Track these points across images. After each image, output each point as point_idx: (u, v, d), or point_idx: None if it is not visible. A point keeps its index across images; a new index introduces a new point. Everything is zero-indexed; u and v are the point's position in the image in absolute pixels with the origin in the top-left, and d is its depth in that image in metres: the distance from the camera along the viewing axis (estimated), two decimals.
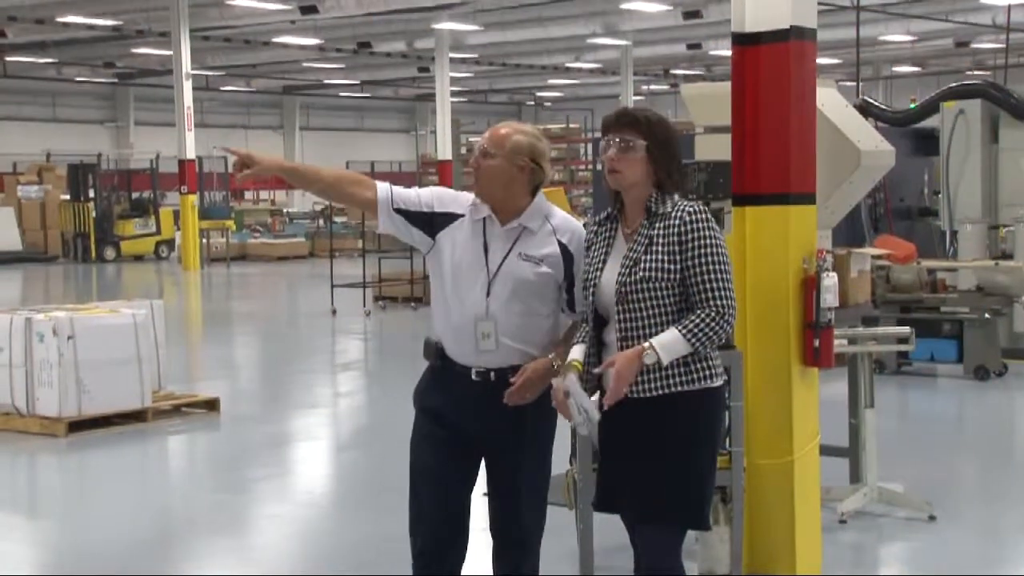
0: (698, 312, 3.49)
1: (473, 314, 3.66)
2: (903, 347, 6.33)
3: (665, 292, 3.52)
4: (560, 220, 3.78)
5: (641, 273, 3.55)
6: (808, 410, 4.93)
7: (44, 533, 6.33)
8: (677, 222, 3.53)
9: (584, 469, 4.55)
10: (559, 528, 5.46)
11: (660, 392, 3.53)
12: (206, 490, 7.12)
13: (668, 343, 3.47)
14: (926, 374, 10.12)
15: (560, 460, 4.96)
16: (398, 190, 3.79)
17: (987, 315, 9.76)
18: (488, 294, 3.66)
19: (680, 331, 3.47)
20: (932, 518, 5.84)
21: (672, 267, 3.52)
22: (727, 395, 4.82)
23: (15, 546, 6.09)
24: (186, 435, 8.59)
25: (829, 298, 4.82)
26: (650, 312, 3.53)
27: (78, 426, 8.22)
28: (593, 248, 3.69)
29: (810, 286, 4.82)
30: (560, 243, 3.73)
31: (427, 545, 3.78)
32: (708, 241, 3.51)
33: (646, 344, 3.48)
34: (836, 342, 5.06)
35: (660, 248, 3.54)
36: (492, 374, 3.68)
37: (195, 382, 10.47)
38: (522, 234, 3.71)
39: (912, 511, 5.93)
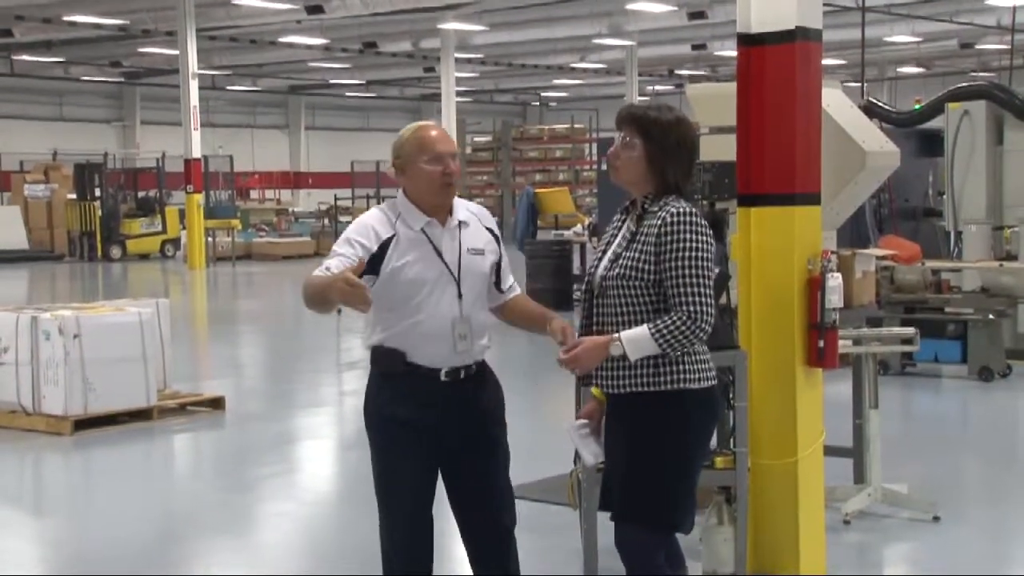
0: (671, 315, 3.47)
1: (450, 318, 3.67)
2: (907, 348, 6.34)
3: (640, 291, 3.52)
4: (475, 208, 3.88)
5: (619, 270, 3.56)
6: (812, 411, 4.94)
7: (50, 531, 6.35)
8: (658, 222, 3.51)
9: (588, 470, 4.55)
10: (563, 528, 5.47)
11: (628, 390, 3.54)
12: (211, 488, 7.14)
13: (636, 339, 3.47)
14: (930, 375, 10.11)
15: (565, 460, 4.97)
16: (335, 263, 3.56)
17: (991, 316, 9.75)
18: (459, 296, 3.69)
19: (650, 330, 3.46)
20: (936, 519, 5.84)
21: (647, 267, 3.50)
22: (729, 397, 4.87)
23: (21, 544, 6.11)
24: (191, 434, 8.61)
25: (834, 299, 4.82)
26: (624, 309, 3.54)
27: (84, 424, 8.24)
28: (603, 239, 3.72)
29: (815, 287, 4.82)
30: (487, 228, 3.83)
31: (414, 553, 3.77)
32: (684, 244, 3.46)
33: (616, 335, 3.50)
34: (840, 343, 5.06)
35: (639, 247, 3.53)
36: (461, 372, 3.71)
37: (200, 381, 10.48)
38: (461, 229, 3.76)
39: (916, 512, 5.93)
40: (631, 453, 3.58)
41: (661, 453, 3.55)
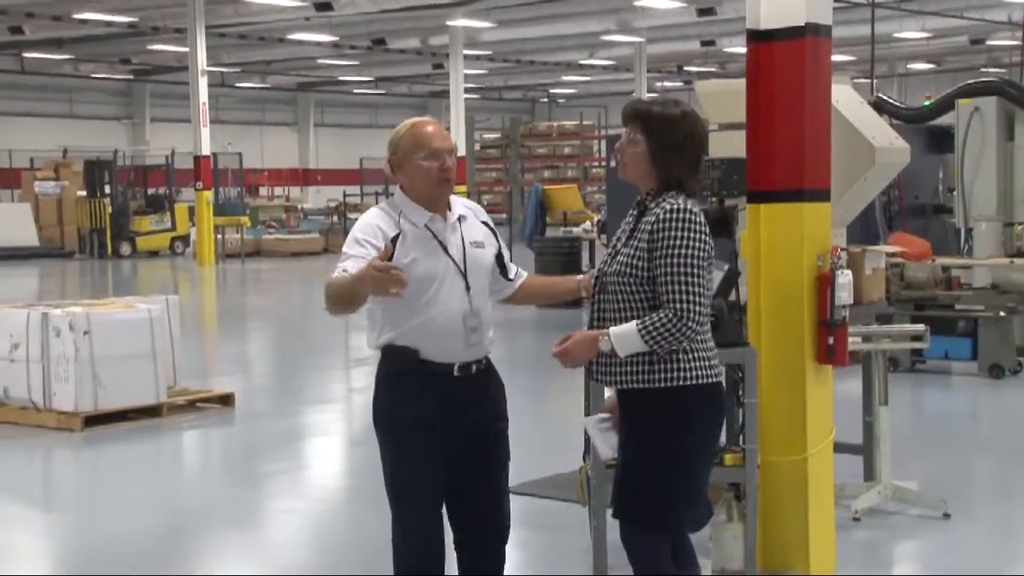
0: (660, 312, 3.44)
1: (460, 312, 3.67)
2: (917, 345, 6.32)
3: (635, 287, 3.50)
4: (469, 203, 3.90)
5: (616, 266, 3.55)
6: (822, 407, 4.93)
7: (60, 527, 6.36)
8: (653, 219, 3.49)
9: (597, 467, 4.55)
10: (573, 525, 5.47)
11: (623, 386, 3.53)
12: (220, 485, 7.15)
13: (624, 335, 3.46)
14: (940, 372, 10.09)
15: (574, 457, 4.98)
16: (350, 265, 3.56)
17: (1002, 313, 9.73)
18: (468, 289, 3.70)
19: (638, 327, 3.44)
20: (946, 516, 5.83)
21: (641, 263, 3.48)
22: (738, 394, 4.86)
23: (32, 539, 6.14)
24: (201, 430, 8.62)
25: (843, 295, 4.81)
26: (620, 305, 3.53)
27: (94, 421, 8.26)
28: (616, 234, 3.71)
29: (824, 283, 4.81)
30: (483, 222, 3.85)
31: (426, 552, 3.77)
32: (675, 241, 3.43)
33: (605, 331, 3.50)
34: (850, 339, 5.05)
35: (635, 243, 3.52)
36: (472, 367, 3.72)
37: (210, 377, 10.51)
38: (461, 223, 3.77)
39: (926, 509, 5.92)
40: (631, 450, 3.57)
41: (660, 451, 3.53)
